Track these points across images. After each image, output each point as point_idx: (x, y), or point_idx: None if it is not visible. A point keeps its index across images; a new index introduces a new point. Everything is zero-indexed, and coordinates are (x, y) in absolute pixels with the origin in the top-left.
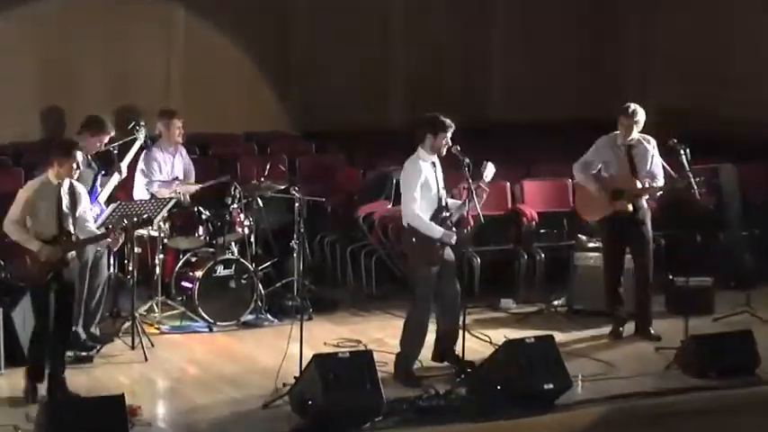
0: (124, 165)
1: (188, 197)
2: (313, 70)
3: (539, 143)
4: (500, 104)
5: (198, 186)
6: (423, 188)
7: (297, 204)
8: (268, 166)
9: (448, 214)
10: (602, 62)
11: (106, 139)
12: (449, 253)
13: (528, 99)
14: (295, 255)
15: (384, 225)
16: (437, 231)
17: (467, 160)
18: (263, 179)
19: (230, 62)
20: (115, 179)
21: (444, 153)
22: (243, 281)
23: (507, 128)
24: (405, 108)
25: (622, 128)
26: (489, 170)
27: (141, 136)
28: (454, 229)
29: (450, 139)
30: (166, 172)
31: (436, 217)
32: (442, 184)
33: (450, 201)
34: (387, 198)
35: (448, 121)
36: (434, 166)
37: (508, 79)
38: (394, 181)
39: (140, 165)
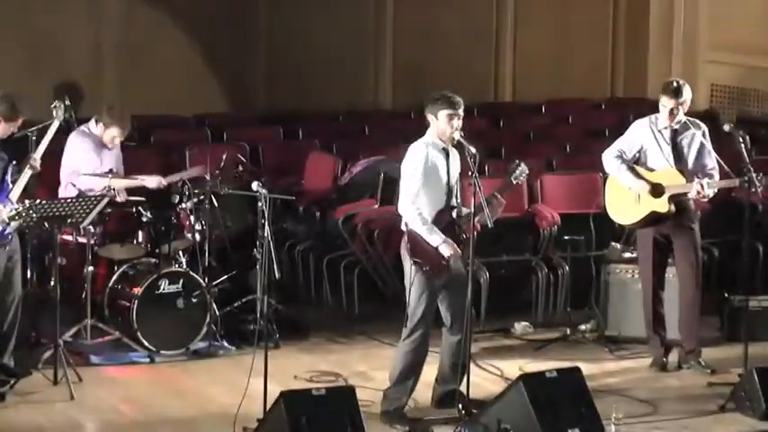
0: (38, 155)
1: (124, 194)
2: (282, 39)
3: (560, 130)
4: (511, 84)
5: (142, 180)
6: (427, 178)
7: (260, 204)
8: (224, 157)
9: (455, 216)
10: (636, 34)
11: (19, 122)
12: (457, 263)
13: (546, 78)
14: (258, 267)
15: (369, 229)
16: (436, 239)
17: (471, 150)
18: (217, 172)
19: (176, 28)
20: (27, 173)
21: (456, 139)
22: (193, 299)
23: (521, 112)
24: (398, 87)
25: (665, 109)
26: (521, 172)
27: (59, 118)
28: (463, 236)
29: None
30: (94, 162)
31: (440, 217)
32: (455, 178)
33: (462, 208)
34: (373, 196)
35: (454, 98)
36: (446, 154)
37: (521, 55)
38: (382, 175)
39: (66, 153)
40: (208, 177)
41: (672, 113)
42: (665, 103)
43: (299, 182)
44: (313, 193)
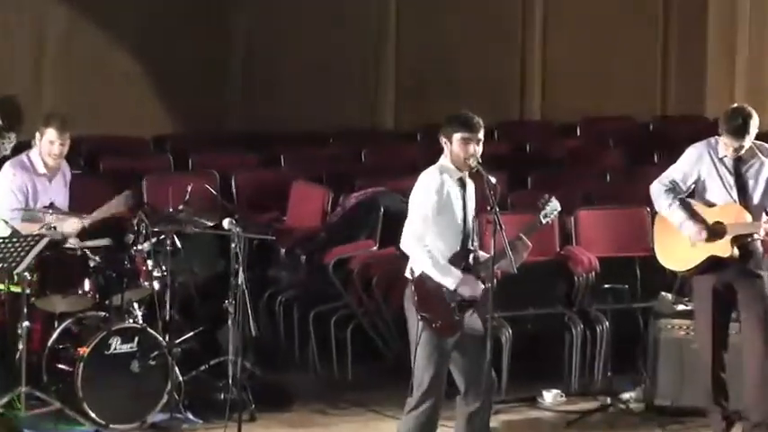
0: None
1: (71, 234)
2: (261, 48)
3: (598, 155)
4: (539, 99)
5: (88, 220)
6: (440, 213)
7: (233, 245)
8: (189, 188)
9: (472, 262)
10: (688, 46)
11: None
12: (472, 318)
13: (581, 93)
14: (230, 322)
15: (366, 276)
16: (453, 276)
17: (491, 180)
18: (181, 207)
19: (130, 36)
20: None
21: (473, 166)
22: (151, 362)
23: (551, 134)
24: (401, 104)
25: (727, 147)
26: (552, 209)
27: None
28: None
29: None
30: (33, 197)
31: (454, 263)
32: (471, 214)
33: (481, 253)
34: (370, 237)
35: (471, 118)
36: (463, 185)
37: (552, 66)
38: (382, 211)
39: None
40: (172, 211)
41: (736, 151)
42: (729, 142)
43: (280, 218)
44: (297, 232)
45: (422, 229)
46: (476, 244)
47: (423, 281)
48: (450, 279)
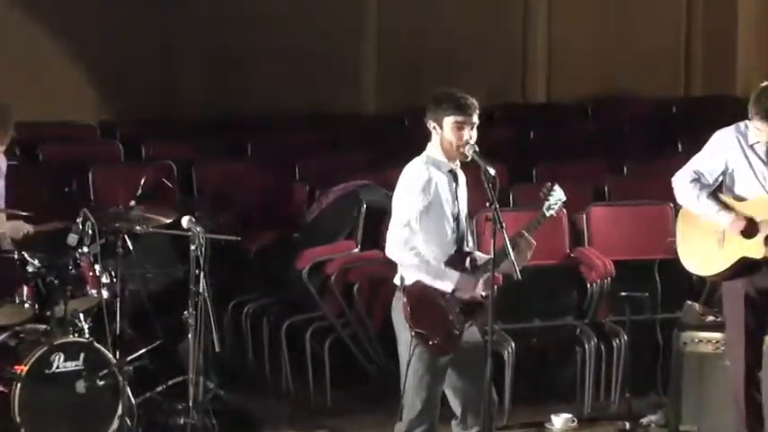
0: None
1: (7, 237)
2: (224, 22)
3: (613, 142)
4: (545, 79)
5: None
6: (430, 213)
7: (194, 247)
8: (142, 181)
9: (469, 266)
10: (716, 15)
11: None
12: (471, 331)
13: (592, 71)
14: (191, 336)
15: (346, 283)
16: (449, 278)
17: (490, 171)
18: (133, 203)
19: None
20: None
21: (469, 155)
22: (99, 382)
23: (558, 117)
24: (385, 84)
25: (760, 133)
26: (556, 199)
27: None
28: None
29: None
30: None
31: (451, 267)
32: (464, 211)
33: (478, 253)
34: (351, 237)
35: (464, 98)
36: (455, 177)
37: (559, 41)
38: (364, 208)
39: None
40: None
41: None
42: (761, 127)
43: (247, 216)
44: (267, 231)
45: (408, 233)
46: (471, 245)
47: (415, 290)
48: (446, 281)
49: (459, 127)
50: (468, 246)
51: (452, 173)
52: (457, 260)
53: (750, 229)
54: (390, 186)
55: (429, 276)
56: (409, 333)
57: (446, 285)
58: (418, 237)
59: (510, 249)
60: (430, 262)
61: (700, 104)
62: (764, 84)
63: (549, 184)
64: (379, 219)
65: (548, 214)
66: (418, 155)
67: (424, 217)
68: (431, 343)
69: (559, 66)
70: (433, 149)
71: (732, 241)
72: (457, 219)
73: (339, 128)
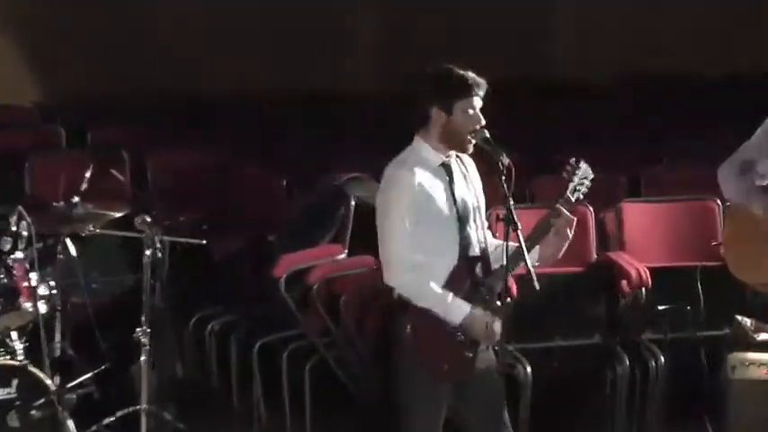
0: None
1: None
2: None
3: (648, 126)
4: (567, 52)
5: None
6: (422, 225)
7: (149, 252)
8: (88, 173)
9: (480, 273)
10: None
11: None
12: (485, 355)
13: (622, 43)
14: (144, 358)
15: (332, 294)
16: (453, 309)
17: (504, 159)
18: (77, 199)
19: None
20: None
21: (471, 147)
22: (35, 412)
23: (582, 96)
24: (383, 59)
25: None
26: (582, 178)
27: None
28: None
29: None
30: None
31: (455, 279)
32: (471, 207)
33: (494, 240)
34: (338, 240)
35: (472, 77)
36: (448, 172)
37: (585, 11)
38: (353, 205)
39: None
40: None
41: None
42: None
43: (213, 215)
44: (237, 233)
45: (397, 253)
46: (484, 247)
47: (419, 314)
48: (452, 312)
49: (472, 110)
50: (477, 248)
51: (446, 167)
52: (465, 270)
53: None
54: None
55: (432, 302)
56: (409, 355)
57: (453, 317)
58: (414, 255)
59: (527, 256)
60: (433, 292)
61: (748, 82)
62: None
63: (574, 160)
64: (370, 218)
65: (573, 198)
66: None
67: (414, 228)
68: (436, 367)
69: (586, 39)
70: (421, 145)
71: None
72: (459, 219)
73: (327, 109)
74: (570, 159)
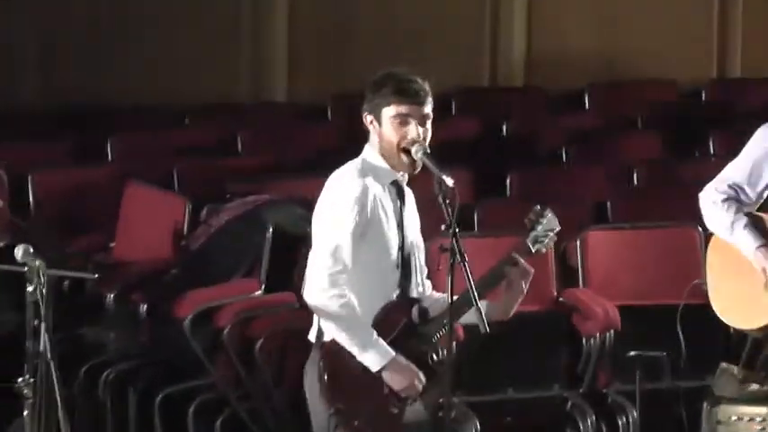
0: None
1: None
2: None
3: (619, 140)
4: (523, 57)
5: None
6: (367, 236)
7: (32, 288)
8: None
9: (417, 315)
10: None
11: None
12: (415, 408)
13: (591, 46)
14: (27, 413)
15: (246, 337)
16: (377, 353)
17: (447, 181)
18: None
19: None
20: None
21: (417, 159)
22: None
23: (541, 108)
24: (300, 64)
25: None
26: (546, 229)
27: None
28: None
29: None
30: None
31: (388, 318)
32: (413, 239)
33: (435, 294)
34: (252, 273)
35: (410, 81)
36: (400, 194)
37: (541, 8)
38: (270, 232)
39: None
40: None
41: None
42: None
43: (106, 245)
44: (134, 266)
45: (334, 267)
46: (422, 288)
47: (336, 349)
48: (371, 356)
49: (403, 120)
50: (417, 289)
51: (397, 186)
52: (399, 310)
53: None
54: (308, 204)
55: (349, 338)
56: (326, 409)
57: (370, 361)
58: (348, 274)
59: (474, 292)
60: (358, 323)
61: (738, 91)
62: None
63: (539, 207)
64: (291, 249)
65: (534, 249)
66: (349, 158)
67: (357, 245)
68: (356, 424)
69: (542, 37)
70: (371, 153)
71: None
72: (402, 249)
73: (235, 122)
74: (534, 206)
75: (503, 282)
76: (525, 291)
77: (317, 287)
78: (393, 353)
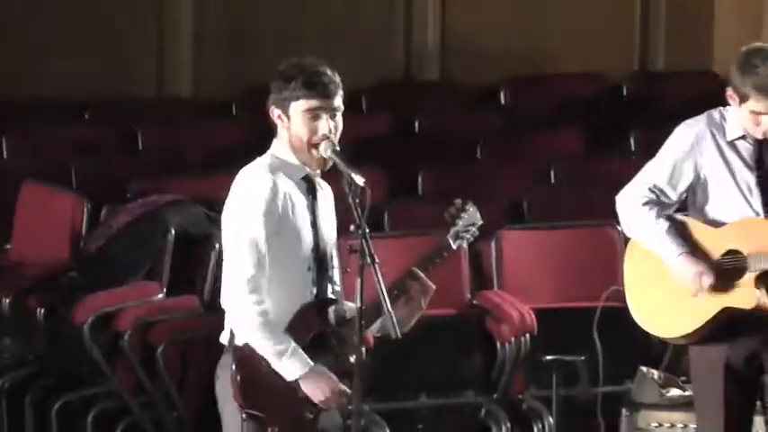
0: None
1: None
2: None
3: (535, 138)
4: (438, 48)
5: None
6: (276, 239)
7: None
8: None
9: (333, 318)
10: None
11: None
12: (331, 414)
13: (509, 37)
14: None
15: (148, 342)
16: (292, 366)
17: (357, 180)
18: None
19: None
20: None
21: (327, 156)
22: None
23: (455, 103)
24: (205, 61)
25: (753, 116)
26: (467, 224)
27: None
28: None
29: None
30: None
31: (302, 321)
32: (329, 241)
33: (347, 304)
34: (153, 276)
35: (320, 73)
36: (311, 190)
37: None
38: (172, 234)
39: None
40: None
41: (761, 126)
42: (759, 107)
43: (1, 247)
44: (29, 269)
45: (251, 271)
46: (337, 288)
47: (250, 352)
48: (287, 365)
49: (314, 115)
50: (335, 287)
51: (308, 181)
52: (313, 313)
53: (731, 271)
54: (211, 203)
55: (268, 344)
56: (239, 415)
57: (287, 370)
58: (253, 270)
59: (385, 296)
60: (275, 330)
61: (662, 84)
62: (755, 45)
63: (460, 201)
64: (194, 250)
65: (454, 245)
66: (254, 155)
67: (271, 245)
68: (269, 430)
69: (458, 29)
70: (280, 148)
71: (710, 284)
72: (316, 250)
73: (135, 118)
74: (455, 200)
75: (402, 297)
76: (424, 307)
77: (236, 293)
78: (311, 363)
